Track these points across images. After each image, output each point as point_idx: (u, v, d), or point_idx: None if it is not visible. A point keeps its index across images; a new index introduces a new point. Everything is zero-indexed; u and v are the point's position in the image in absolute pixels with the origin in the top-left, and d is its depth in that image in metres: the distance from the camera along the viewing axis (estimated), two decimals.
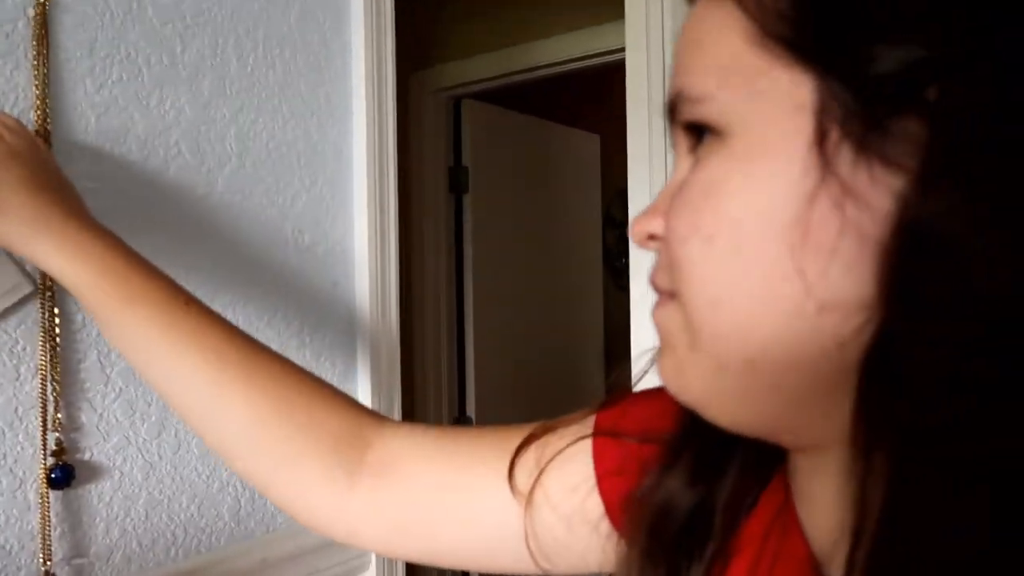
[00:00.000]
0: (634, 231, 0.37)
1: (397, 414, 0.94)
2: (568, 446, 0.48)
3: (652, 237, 0.36)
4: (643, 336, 1.53)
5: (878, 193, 0.27)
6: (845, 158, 0.28)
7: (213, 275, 0.76)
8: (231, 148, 0.77)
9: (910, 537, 0.27)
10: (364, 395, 0.90)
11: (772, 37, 0.30)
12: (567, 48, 2.32)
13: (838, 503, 0.33)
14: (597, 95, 2.93)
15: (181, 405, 0.51)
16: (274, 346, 0.77)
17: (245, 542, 0.79)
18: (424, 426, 0.53)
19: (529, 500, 0.47)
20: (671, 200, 0.34)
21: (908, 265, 0.27)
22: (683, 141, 0.35)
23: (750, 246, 0.30)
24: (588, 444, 0.48)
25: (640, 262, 1.64)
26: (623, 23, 1.73)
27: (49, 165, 0.56)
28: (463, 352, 2.66)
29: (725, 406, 0.34)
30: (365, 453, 0.50)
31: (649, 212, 0.36)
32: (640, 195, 1.68)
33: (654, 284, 0.36)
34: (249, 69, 0.79)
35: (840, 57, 0.28)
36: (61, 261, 0.50)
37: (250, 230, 0.79)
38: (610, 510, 0.46)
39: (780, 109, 0.30)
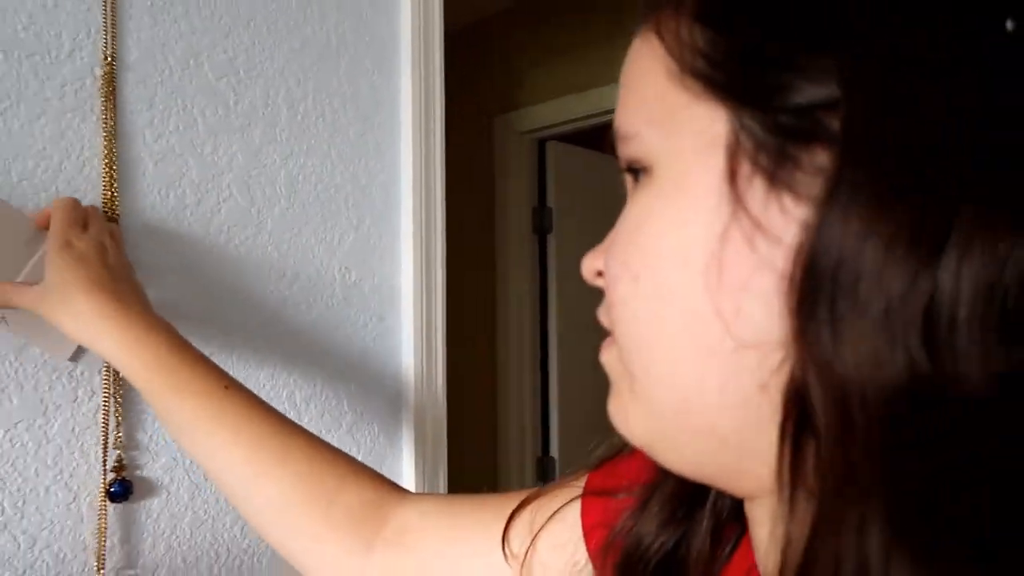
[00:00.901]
0: (583, 268, 0.38)
1: (443, 439, 0.96)
2: (560, 508, 0.49)
3: (600, 274, 0.36)
4: None
5: (789, 227, 0.27)
6: (756, 193, 0.28)
7: (263, 308, 0.81)
8: (280, 191, 0.83)
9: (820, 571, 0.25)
10: (408, 418, 0.93)
11: (690, 73, 0.30)
12: None
13: (768, 544, 0.32)
14: None
15: (219, 481, 0.57)
16: (318, 378, 0.82)
17: (284, 565, 0.82)
18: (437, 496, 0.60)
19: (523, 563, 0.49)
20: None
21: (812, 298, 0.26)
22: (629, 180, 0.35)
23: (669, 285, 0.30)
24: (578, 503, 0.49)
25: None
26: None
27: (112, 261, 0.63)
28: (547, 392, 2.67)
29: (667, 450, 0.33)
30: (383, 526, 0.55)
31: (597, 249, 0.37)
32: None
33: (602, 323, 0.37)
34: (299, 118, 0.85)
35: (750, 92, 0.29)
36: (120, 356, 0.57)
37: (298, 266, 0.84)
38: (593, 560, 0.47)
39: (698, 144, 0.30)
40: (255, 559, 0.80)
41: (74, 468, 0.68)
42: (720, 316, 0.29)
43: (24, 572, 0.65)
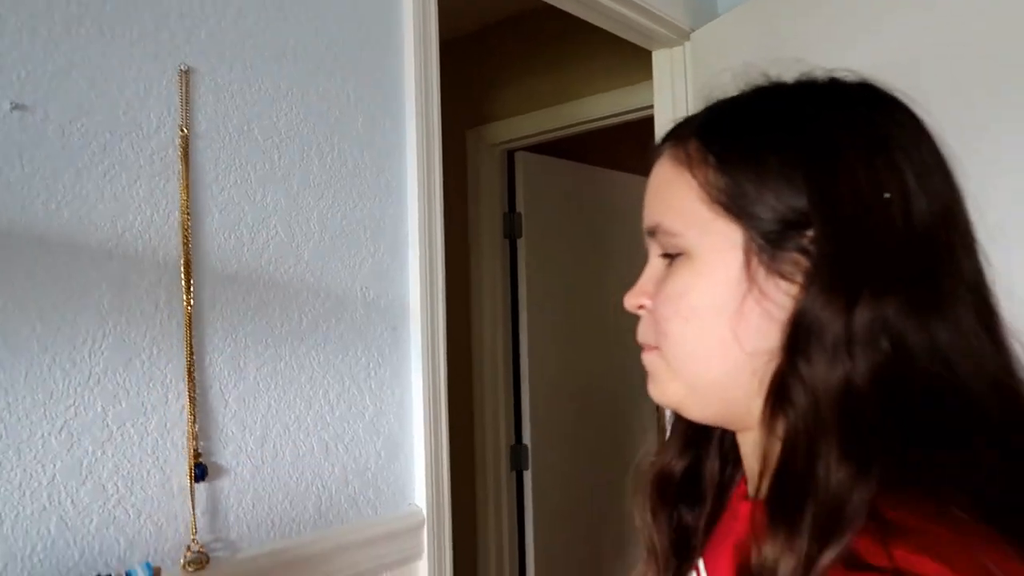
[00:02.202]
0: (628, 303, 0.60)
1: (444, 424, 1.16)
2: None
3: (641, 307, 0.59)
4: None
5: (781, 294, 0.50)
6: (761, 274, 0.51)
7: (301, 324, 1.00)
8: (314, 227, 1.02)
9: (790, 471, 0.48)
10: (418, 412, 1.13)
11: (716, 202, 0.53)
12: (605, 106, 2.55)
13: (753, 462, 0.56)
14: (644, 141, 3.14)
15: None
16: (347, 379, 1.01)
17: (324, 530, 1.01)
18: None
19: None
20: (653, 285, 0.57)
21: (795, 334, 0.49)
22: (655, 247, 0.58)
23: (708, 324, 0.53)
24: None
25: None
26: (651, 83, 1.95)
27: None
28: (519, 384, 2.87)
29: (695, 407, 0.57)
30: None
31: (637, 291, 0.59)
32: None
33: (641, 340, 0.59)
34: (328, 166, 1.04)
35: (753, 219, 0.52)
36: None
37: (329, 288, 1.03)
38: None
39: (723, 245, 0.53)
40: (300, 526, 0.99)
41: (167, 455, 0.87)
42: (737, 340, 0.52)
43: (134, 537, 0.84)
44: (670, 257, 0.56)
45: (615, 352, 3.10)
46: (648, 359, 0.59)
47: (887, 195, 0.49)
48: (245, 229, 0.95)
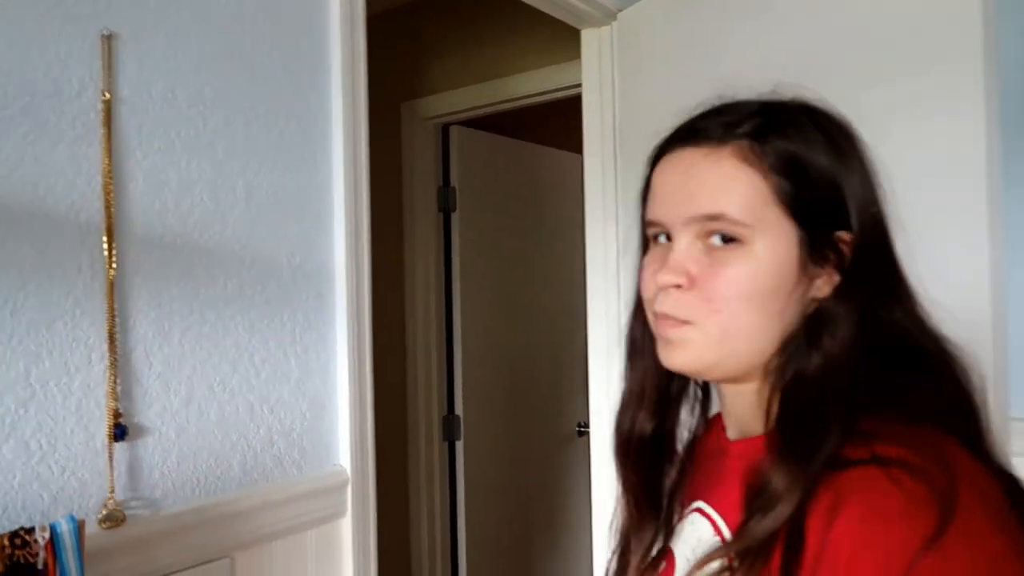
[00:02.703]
0: (664, 280, 0.66)
1: (369, 386, 1.20)
2: None
3: (678, 286, 0.66)
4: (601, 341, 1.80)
5: (814, 282, 0.65)
6: (808, 266, 0.64)
7: (226, 288, 1.03)
8: (240, 195, 1.04)
9: (790, 416, 0.63)
10: (342, 375, 1.17)
11: (780, 203, 0.64)
12: (538, 82, 2.59)
13: (748, 408, 0.69)
14: (579, 119, 3.20)
15: None
16: (272, 343, 1.04)
17: (250, 488, 1.05)
18: None
19: None
20: (695, 266, 0.65)
21: (820, 317, 0.64)
22: (697, 231, 0.66)
23: (765, 304, 0.64)
24: None
25: (595, 285, 1.91)
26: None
27: None
28: (452, 356, 2.92)
29: (719, 369, 0.68)
30: None
31: (677, 270, 0.66)
32: (596, 208, 1.94)
33: (673, 315, 0.66)
34: (254, 135, 1.06)
35: (807, 219, 0.64)
36: None
37: (255, 255, 1.06)
38: None
39: (781, 239, 0.64)
40: (226, 483, 1.03)
41: (90, 415, 0.89)
42: (781, 317, 0.65)
43: (57, 493, 0.86)
44: (724, 242, 0.65)
45: (546, 325, 3.18)
46: (679, 332, 0.66)
47: (875, 210, 0.67)
48: (169, 195, 0.97)
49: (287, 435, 1.11)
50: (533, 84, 2.61)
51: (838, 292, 0.66)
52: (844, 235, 0.66)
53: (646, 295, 0.71)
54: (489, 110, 2.79)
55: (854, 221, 0.66)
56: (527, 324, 3.08)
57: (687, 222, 0.66)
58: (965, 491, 0.55)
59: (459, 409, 2.89)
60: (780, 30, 1.41)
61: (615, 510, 0.80)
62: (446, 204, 2.92)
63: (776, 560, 0.59)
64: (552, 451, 3.17)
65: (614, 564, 0.80)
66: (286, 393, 1.11)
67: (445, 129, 2.93)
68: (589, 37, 1.94)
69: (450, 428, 2.89)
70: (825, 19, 1.36)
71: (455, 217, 2.92)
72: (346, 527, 1.16)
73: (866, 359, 0.63)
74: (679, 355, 0.67)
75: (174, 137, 0.97)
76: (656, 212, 0.70)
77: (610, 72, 1.90)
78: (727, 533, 0.68)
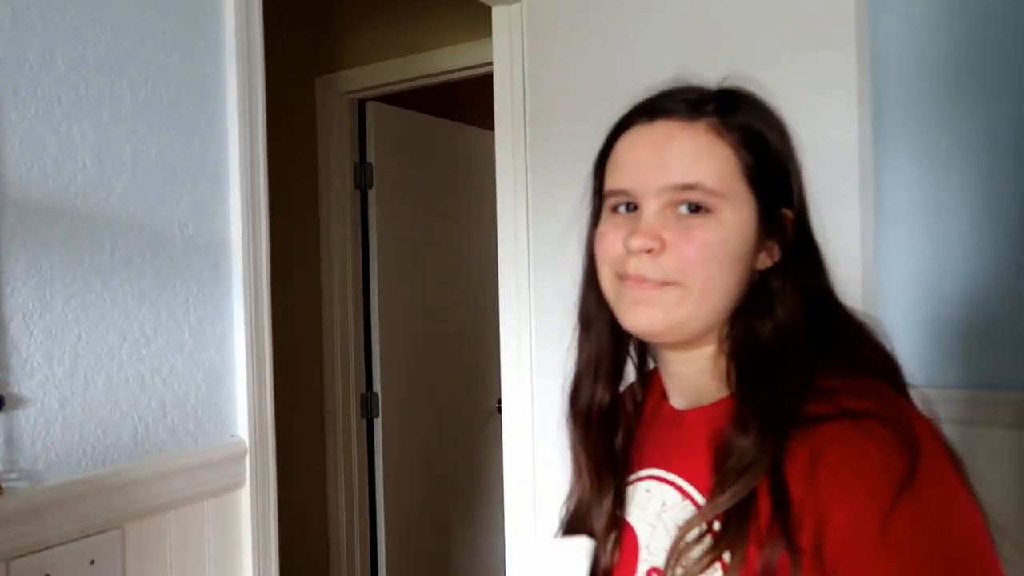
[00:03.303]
0: (637, 244, 0.69)
1: (268, 358, 1.20)
2: None
3: (650, 250, 0.69)
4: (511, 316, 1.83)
5: (764, 252, 0.72)
6: (761, 238, 0.70)
7: (113, 257, 1.01)
8: (127, 162, 1.02)
9: (751, 379, 0.68)
10: (240, 347, 1.16)
11: (745, 177, 0.70)
12: (458, 58, 2.59)
13: (701, 374, 0.74)
14: (491, 97, 3.21)
15: None
16: (164, 313, 1.03)
17: (141, 459, 1.04)
18: None
19: None
20: (667, 232, 0.69)
21: (763, 292, 0.70)
22: (666, 196, 0.69)
23: (732, 268, 0.69)
24: None
25: (508, 254, 1.93)
26: None
27: None
28: (369, 334, 2.91)
29: (687, 328, 0.71)
30: None
31: (649, 234, 0.69)
32: (507, 182, 1.96)
33: (651, 277, 0.69)
34: (141, 101, 1.04)
35: (764, 194, 0.70)
36: None
37: (144, 223, 1.04)
38: None
39: (745, 210, 0.70)
40: (115, 454, 1.01)
41: None
42: (739, 284, 0.70)
43: None
44: (691, 211, 0.69)
45: (465, 302, 3.20)
46: (656, 293, 0.70)
47: (804, 192, 0.74)
48: (49, 160, 0.94)
49: (181, 406, 1.10)
50: (452, 60, 2.61)
51: (781, 266, 0.72)
52: (788, 212, 0.72)
53: (609, 258, 0.73)
54: (407, 86, 2.78)
55: (796, 199, 0.73)
56: (446, 301, 3.10)
57: (660, 190, 0.69)
58: (923, 437, 0.61)
59: (377, 387, 2.89)
60: (678, 14, 1.46)
61: (573, 482, 0.83)
62: (363, 181, 2.89)
63: (764, 516, 0.63)
64: (471, 428, 3.20)
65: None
66: (179, 364, 1.10)
67: (362, 105, 2.90)
68: (500, 15, 1.95)
69: (368, 406, 2.89)
70: (723, 4, 1.41)
71: (372, 194, 2.90)
72: (245, 498, 1.16)
73: (808, 325, 0.70)
74: (647, 315, 0.70)
75: (53, 101, 0.94)
76: (623, 182, 0.73)
77: (520, 50, 1.92)
78: (699, 498, 0.70)
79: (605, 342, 0.80)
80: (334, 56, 2.84)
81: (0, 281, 0.90)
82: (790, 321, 0.70)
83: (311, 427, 2.92)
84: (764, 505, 0.64)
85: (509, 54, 1.94)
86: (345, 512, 2.85)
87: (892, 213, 1.45)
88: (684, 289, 0.69)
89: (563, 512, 0.84)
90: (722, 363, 0.73)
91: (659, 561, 0.72)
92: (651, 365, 0.84)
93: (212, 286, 1.14)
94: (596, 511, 0.78)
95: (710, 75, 0.75)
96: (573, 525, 0.81)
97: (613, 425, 0.81)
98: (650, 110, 0.74)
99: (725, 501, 0.65)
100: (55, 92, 0.94)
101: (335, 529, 2.86)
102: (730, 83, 0.75)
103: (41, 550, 0.92)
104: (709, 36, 1.42)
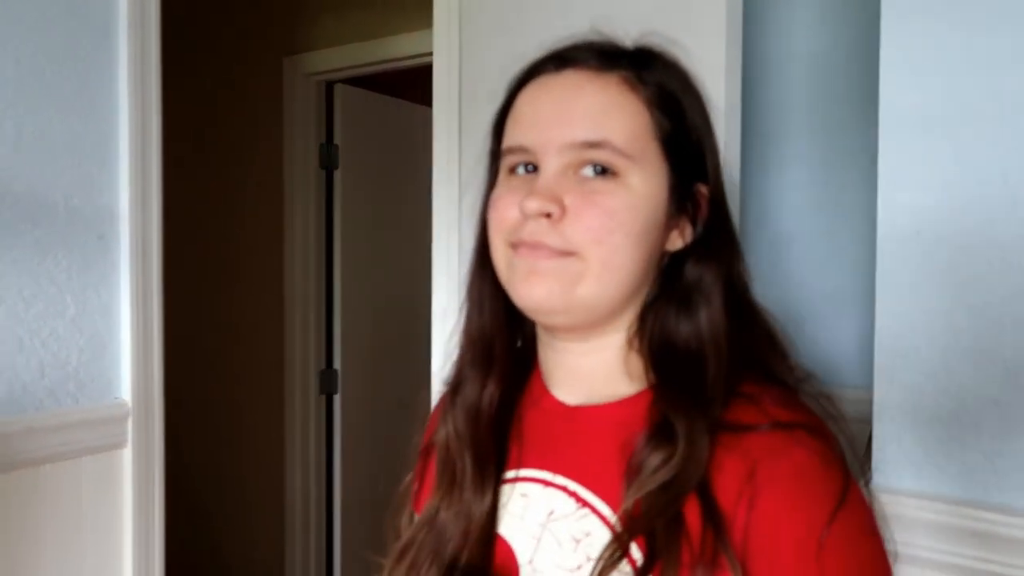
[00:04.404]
0: (535, 207, 0.59)
1: (156, 325, 1.26)
2: None
3: (548, 215, 0.59)
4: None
5: (676, 230, 0.64)
6: (672, 213, 0.63)
7: None
8: (7, 134, 1.08)
9: (672, 381, 0.62)
10: (126, 314, 1.22)
11: (658, 140, 0.62)
12: (420, 43, 2.63)
13: (604, 367, 0.66)
14: None
15: None
16: (44, 280, 1.09)
17: (16, 415, 1.10)
18: None
19: None
20: (568, 196, 0.59)
21: (680, 283, 0.64)
22: (569, 155, 0.60)
23: (642, 239, 0.61)
24: None
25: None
26: None
27: None
28: (331, 313, 2.98)
29: (583, 310, 0.62)
30: None
31: (548, 197, 0.59)
32: (444, 162, 2.00)
33: (549, 243, 0.60)
34: (21, 76, 1.09)
35: (678, 164, 0.63)
36: None
37: (21, 193, 1.10)
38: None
39: (655, 177, 0.62)
40: None
41: None
42: (649, 255, 0.62)
43: None
44: (595, 173, 0.60)
45: (426, 281, 3.25)
46: (554, 263, 0.60)
47: (721, 171, 0.67)
48: None
49: (62, 368, 1.16)
50: (415, 45, 2.65)
51: (695, 248, 0.65)
52: (703, 188, 0.64)
53: (504, 226, 0.63)
54: (371, 69, 2.82)
55: (711, 175, 0.65)
56: (407, 280, 3.15)
57: (562, 148, 0.60)
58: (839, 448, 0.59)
59: (337, 363, 2.96)
60: (581, 15, 1.49)
61: (442, 473, 0.71)
62: (329, 161, 2.95)
63: (695, 533, 0.56)
64: (432, 405, 3.26)
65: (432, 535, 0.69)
66: (60, 328, 1.16)
67: (329, 87, 2.95)
68: (440, 5, 1.99)
69: (328, 382, 2.96)
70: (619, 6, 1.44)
71: (337, 175, 2.96)
72: (126, 456, 1.23)
73: (729, 319, 0.63)
74: (543, 286, 0.60)
75: None
76: (523, 137, 0.63)
77: (457, 36, 1.96)
78: (603, 508, 0.62)
79: (498, 325, 0.70)
80: (301, 38, 2.89)
81: None
82: (712, 317, 0.63)
83: (270, 403, 2.99)
84: (694, 522, 0.57)
85: (447, 40, 1.98)
86: (301, 488, 2.91)
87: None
88: (585, 262, 0.60)
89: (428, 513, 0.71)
90: (633, 359, 0.65)
91: None
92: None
93: (99, 255, 1.20)
94: (474, 504, 0.67)
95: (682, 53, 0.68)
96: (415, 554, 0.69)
97: (503, 419, 0.69)
98: (559, 58, 0.64)
99: (654, 517, 0.57)
100: None
101: (291, 505, 2.93)
102: (650, 40, 0.67)
103: None
104: (616, 17, 1.45)
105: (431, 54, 2.64)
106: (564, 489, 0.64)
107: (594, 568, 0.58)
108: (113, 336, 1.23)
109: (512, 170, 0.64)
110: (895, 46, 0.99)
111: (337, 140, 2.95)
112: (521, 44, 1.62)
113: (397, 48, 2.71)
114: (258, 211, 3.01)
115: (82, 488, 1.18)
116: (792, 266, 1.50)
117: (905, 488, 0.96)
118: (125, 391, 1.23)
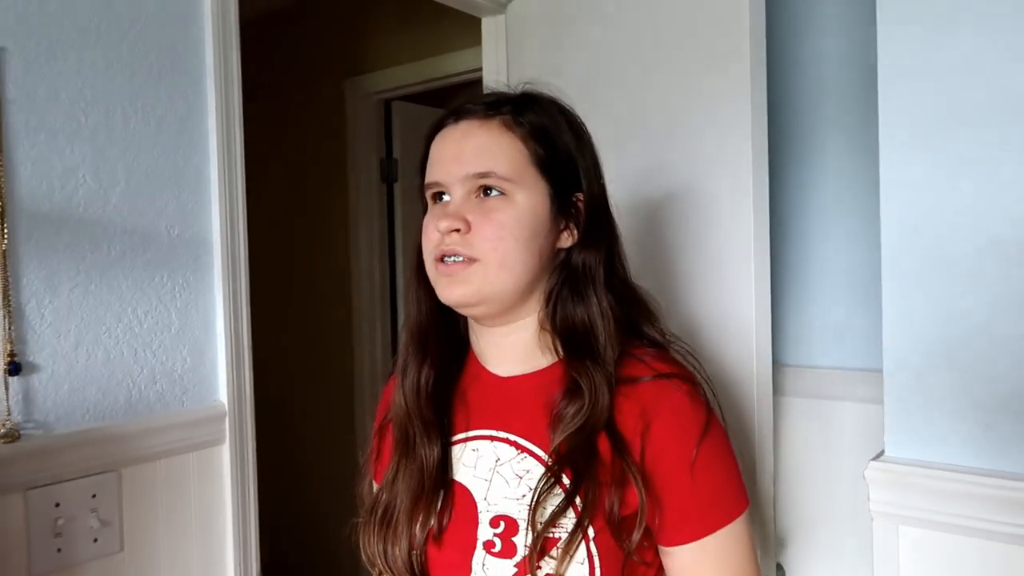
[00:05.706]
0: (445, 226, 0.82)
1: (246, 337, 1.43)
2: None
3: (457, 230, 0.82)
4: None
5: (564, 232, 0.89)
6: (556, 217, 0.87)
7: (110, 254, 1.25)
8: (120, 177, 1.26)
9: (577, 349, 0.83)
10: (220, 327, 1.39)
11: (535, 164, 0.85)
12: (473, 60, 2.78)
13: (524, 346, 0.89)
14: None
15: None
16: (153, 299, 1.26)
17: (135, 417, 1.29)
18: None
19: None
20: (472, 215, 0.82)
21: (571, 270, 0.85)
22: (469, 187, 0.83)
23: (528, 243, 0.83)
24: None
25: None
26: None
27: None
28: (395, 317, 3.15)
29: (493, 301, 0.84)
30: None
31: (456, 217, 0.82)
32: None
33: (461, 250, 0.82)
34: (132, 126, 1.27)
35: (554, 180, 0.87)
36: None
37: (135, 226, 1.28)
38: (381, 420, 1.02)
39: (536, 192, 0.85)
40: (112, 413, 1.26)
41: None
42: (540, 256, 0.86)
43: None
44: (488, 195, 0.82)
45: None
46: (465, 269, 0.81)
47: (601, 181, 0.90)
48: (55, 178, 1.19)
49: (169, 375, 1.34)
50: (465, 62, 2.80)
51: (580, 243, 0.87)
52: (580, 196, 0.88)
53: (428, 245, 0.85)
54: (428, 86, 2.98)
55: (584, 185, 0.88)
56: None
57: (462, 180, 0.83)
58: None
59: None
60: (617, 27, 1.60)
61: (398, 440, 0.92)
62: (389, 175, 3.12)
63: (608, 460, 0.78)
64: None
65: (397, 495, 0.90)
66: (167, 340, 1.34)
67: (388, 104, 3.12)
68: (488, 24, 2.13)
69: None
70: (647, 17, 1.55)
71: (398, 187, 3.13)
72: (225, 452, 1.40)
73: (613, 296, 0.87)
74: (459, 288, 0.82)
75: (58, 130, 1.19)
76: (436, 175, 0.86)
77: (504, 55, 2.09)
78: (539, 451, 0.83)
79: (431, 321, 0.91)
80: (361, 60, 3.07)
81: (17, 274, 1.15)
82: (599, 296, 0.85)
83: (342, 402, 3.18)
84: (605, 452, 0.79)
85: (495, 59, 2.11)
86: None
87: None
88: (486, 265, 0.81)
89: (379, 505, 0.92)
90: (545, 336, 0.87)
91: (501, 509, 0.83)
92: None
93: (196, 275, 1.38)
94: (417, 478, 0.87)
95: (559, 92, 0.92)
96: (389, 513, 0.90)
97: (442, 393, 0.91)
98: (456, 113, 0.88)
99: (576, 451, 0.78)
100: (59, 123, 1.19)
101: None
102: (528, 88, 0.90)
103: (52, 484, 1.17)
104: (636, 46, 1.56)
105: (480, 69, 2.81)
106: (506, 441, 0.85)
107: (534, 493, 0.79)
108: (211, 346, 1.40)
109: (435, 199, 0.87)
110: (891, 50, 1.08)
111: (396, 154, 3.13)
112: (561, 58, 1.75)
113: (449, 65, 2.86)
114: (325, 225, 3.21)
115: (189, 480, 1.35)
116: (826, 258, 1.58)
117: (911, 459, 1.05)
118: (222, 394, 1.41)
